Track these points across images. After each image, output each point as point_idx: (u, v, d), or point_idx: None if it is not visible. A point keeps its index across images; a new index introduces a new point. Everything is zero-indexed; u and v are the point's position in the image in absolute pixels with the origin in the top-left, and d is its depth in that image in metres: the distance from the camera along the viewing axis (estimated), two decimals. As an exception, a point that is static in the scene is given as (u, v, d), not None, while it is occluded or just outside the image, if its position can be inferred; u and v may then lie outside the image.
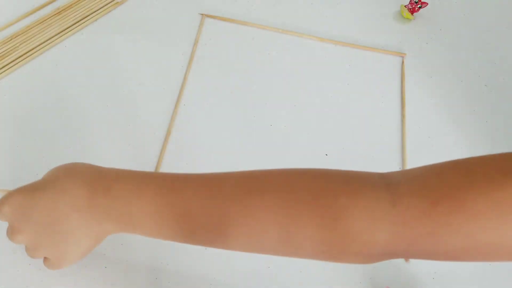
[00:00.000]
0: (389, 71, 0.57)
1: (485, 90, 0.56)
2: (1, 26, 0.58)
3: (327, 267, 0.43)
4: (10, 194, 0.36)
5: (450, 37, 0.61)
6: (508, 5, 0.65)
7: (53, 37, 0.57)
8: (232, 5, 0.62)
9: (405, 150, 0.51)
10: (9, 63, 0.54)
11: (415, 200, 0.28)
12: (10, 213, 0.35)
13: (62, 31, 0.58)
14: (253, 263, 0.43)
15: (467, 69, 0.58)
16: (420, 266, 0.43)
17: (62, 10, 0.60)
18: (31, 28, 0.58)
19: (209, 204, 0.33)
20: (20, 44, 0.56)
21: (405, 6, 0.62)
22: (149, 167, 0.48)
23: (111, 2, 0.61)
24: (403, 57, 0.59)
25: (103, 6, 0.60)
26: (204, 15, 0.60)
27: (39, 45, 0.56)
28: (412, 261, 0.44)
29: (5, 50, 0.55)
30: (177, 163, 0.49)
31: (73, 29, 0.58)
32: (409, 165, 0.50)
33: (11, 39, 0.56)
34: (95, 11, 0.60)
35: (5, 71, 0.54)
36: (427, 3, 0.61)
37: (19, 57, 0.55)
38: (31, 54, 0.55)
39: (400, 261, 0.44)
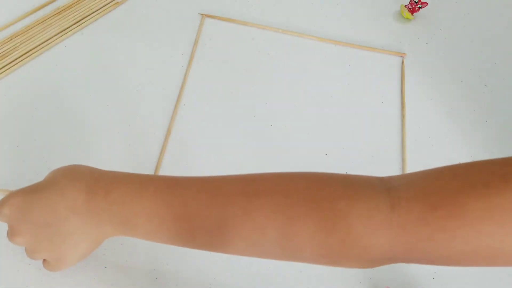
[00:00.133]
0: (389, 71, 0.57)
1: (485, 90, 0.56)
2: (1, 26, 0.58)
3: (327, 267, 0.43)
4: (10, 196, 0.36)
5: (450, 37, 0.61)
6: (508, 5, 0.65)
7: (53, 37, 0.57)
8: (232, 5, 0.62)
9: (405, 150, 0.51)
10: (9, 63, 0.54)
11: (414, 205, 0.28)
12: (9, 214, 0.35)
13: (62, 31, 0.58)
14: (253, 263, 0.43)
15: (467, 69, 0.58)
16: (420, 266, 0.43)
17: (62, 10, 0.60)
18: (31, 28, 0.58)
19: (208, 207, 0.32)
20: (20, 44, 0.56)
21: (405, 6, 0.62)
22: (149, 167, 0.48)
23: (111, 2, 0.61)
24: (403, 57, 0.59)
25: (103, 6, 0.60)
26: (204, 15, 0.60)
27: (39, 45, 0.56)
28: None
29: (5, 50, 0.55)
30: (177, 163, 0.49)
31: (73, 29, 0.58)
32: (409, 165, 0.50)
33: (11, 39, 0.56)
34: (95, 11, 0.60)
35: (5, 71, 0.54)
36: (427, 3, 0.61)
37: (19, 57, 0.55)
38: (31, 54, 0.55)
39: (400, 261, 0.44)
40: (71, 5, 0.60)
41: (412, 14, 0.61)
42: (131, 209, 0.34)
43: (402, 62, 0.58)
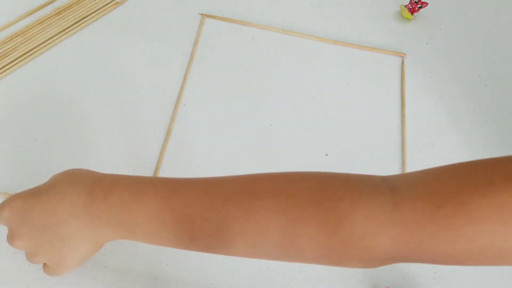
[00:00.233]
0: (389, 71, 0.57)
1: (485, 90, 0.56)
2: (1, 26, 0.58)
3: (326, 268, 0.43)
4: (10, 199, 0.36)
5: (450, 37, 0.61)
6: (508, 5, 0.65)
7: (53, 37, 0.57)
8: (232, 5, 0.62)
9: (405, 150, 0.51)
10: (9, 63, 0.54)
11: (417, 204, 0.28)
12: (9, 217, 0.35)
13: (62, 31, 0.58)
14: (253, 263, 0.43)
15: (467, 69, 0.58)
16: (420, 266, 0.43)
17: (62, 10, 0.60)
18: (31, 28, 0.58)
19: (209, 209, 0.32)
20: (20, 44, 0.56)
21: (405, 6, 0.62)
22: (149, 167, 0.48)
23: (111, 2, 0.61)
24: (403, 57, 0.59)
25: (103, 6, 0.60)
26: (204, 15, 0.60)
27: (39, 45, 0.56)
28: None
29: (5, 50, 0.55)
30: (177, 163, 0.49)
31: (73, 29, 0.58)
32: (409, 165, 0.50)
33: (11, 39, 0.56)
34: (95, 11, 0.60)
35: (5, 71, 0.54)
36: (427, 3, 0.61)
37: (19, 57, 0.55)
38: (31, 54, 0.55)
39: (400, 261, 0.44)
40: (71, 5, 0.60)
41: (412, 14, 0.61)
42: (131, 211, 0.34)
43: (402, 62, 0.58)
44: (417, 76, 0.57)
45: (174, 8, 0.61)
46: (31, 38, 0.57)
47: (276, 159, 0.50)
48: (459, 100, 0.55)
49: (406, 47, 0.60)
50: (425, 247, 0.28)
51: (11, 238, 0.36)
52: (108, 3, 0.61)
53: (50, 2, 0.61)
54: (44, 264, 0.38)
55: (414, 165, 0.50)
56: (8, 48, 0.56)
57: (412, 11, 0.61)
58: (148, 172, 0.48)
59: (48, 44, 0.56)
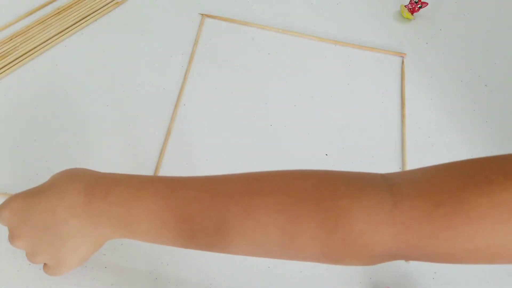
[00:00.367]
0: (389, 71, 0.57)
1: (485, 90, 0.56)
2: (1, 26, 0.58)
3: (327, 267, 0.43)
4: (10, 199, 0.36)
5: (450, 37, 0.61)
6: (508, 5, 0.65)
7: (53, 37, 0.57)
8: (232, 5, 0.62)
9: (405, 150, 0.51)
10: (9, 63, 0.54)
11: (417, 202, 0.28)
12: (9, 218, 0.35)
13: (62, 31, 0.58)
14: (253, 263, 0.43)
15: (467, 69, 0.58)
16: (420, 266, 0.43)
17: (62, 10, 0.60)
18: (31, 28, 0.58)
19: (210, 207, 0.32)
20: (20, 44, 0.56)
21: (405, 6, 0.62)
22: (149, 167, 0.48)
23: (111, 2, 0.61)
24: (403, 57, 0.59)
25: (103, 6, 0.60)
26: (204, 15, 0.60)
27: (39, 45, 0.56)
28: (412, 261, 0.44)
29: (5, 50, 0.55)
30: (177, 163, 0.49)
31: (73, 29, 0.58)
32: (409, 165, 0.50)
33: (11, 39, 0.56)
34: (95, 11, 0.60)
35: (5, 71, 0.54)
36: (427, 3, 0.61)
37: (19, 57, 0.55)
38: (31, 54, 0.55)
39: (400, 261, 0.44)
40: (71, 5, 0.60)
41: (412, 14, 0.61)
42: (131, 210, 0.34)
43: (402, 62, 0.58)
44: (417, 76, 0.57)
45: (174, 8, 0.61)
46: (31, 38, 0.57)
47: (276, 159, 0.50)
48: (459, 100, 0.55)
49: (406, 47, 0.60)
50: (424, 246, 0.28)
51: (12, 238, 0.36)
52: (108, 3, 0.61)
53: (50, 2, 0.61)
54: (45, 264, 0.38)
55: (414, 165, 0.50)
56: (8, 48, 0.56)
57: (412, 11, 0.61)
58: (148, 172, 0.48)
59: (48, 44, 0.56)
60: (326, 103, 0.54)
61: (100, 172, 0.37)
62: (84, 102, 0.53)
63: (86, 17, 0.59)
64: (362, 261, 0.31)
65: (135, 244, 0.43)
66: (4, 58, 0.55)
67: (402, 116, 0.54)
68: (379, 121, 0.53)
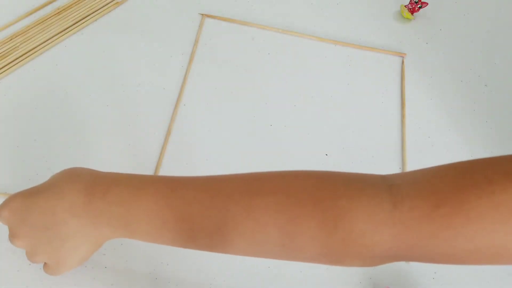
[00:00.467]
0: (389, 71, 0.57)
1: (485, 90, 0.56)
2: (1, 26, 0.58)
3: (327, 267, 0.43)
4: (10, 198, 0.36)
5: (450, 37, 0.61)
6: (508, 5, 0.65)
7: (53, 37, 0.57)
8: (232, 5, 0.62)
9: (405, 150, 0.51)
10: (9, 63, 0.54)
11: (417, 202, 0.28)
12: (9, 217, 0.35)
13: (62, 31, 0.58)
14: (253, 263, 0.43)
15: (467, 69, 0.58)
16: (420, 266, 0.43)
17: (62, 10, 0.60)
18: (31, 28, 0.58)
19: (210, 207, 0.32)
20: (20, 44, 0.56)
21: (405, 6, 0.62)
22: (149, 167, 0.48)
23: (111, 2, 0.61)
24: (403, 57, 0.59)
25: (103, 6, 0.60)
26: (204, 15, 0.60)
27: (39, 45, 0.56)
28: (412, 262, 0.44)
29: (5, 50, 0.55)
30: (177, 163, 0.49)
31: (73, 29, 0.58)
32: (409, 165, 0.50)
33: (11, 39, 0.56)
34: (95, 11, 0.60)
35: (5, 71, 0.54)
36: (427, 3, 0.61)
37: (19, 57, 0.55)
38: (31, 54, 0.55)
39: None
40: (71, 5, 0.60)
41: (412, 14, 0.61)
42: (130, 210, 0.34)
43: (402, 62, 0.58)
44: (417, 76, 0.57)
45: (174, 8, 0.61)
46: (31, 38, 0.57)
47: (276, 159, 0.50)
48: (459, 100, 0.55)
49: (406, 47, 0.60)
50: (424, 246, 0.28)
51: (12, 237, 0.36)
52: (108, 3, 0.61)
53: (50, 2, 0.61)
54: (45, 263, 0.38)
55: (414, 165, 0.50)
56: (8, 48, 0.56)
57: (412, 11, 0.61)
58: (148, 172, 0.48)
59: (48, 44, 0.56)
60: (326, 103, 0.54)
61: (100, 172, 0.37)
62: (84, 102, 0.53)
63: (86, 17, 0.59)
64: (362, 262, 0.31)
65: (135, 244, 0.43)
66: (4, 58, 0.55)
67: (402, 116, 0.54)
68: (379, 121, 0.53)
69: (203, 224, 0.32)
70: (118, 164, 0.48)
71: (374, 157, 0.51)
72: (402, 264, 0.44)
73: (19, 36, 0.57)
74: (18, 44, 0.56)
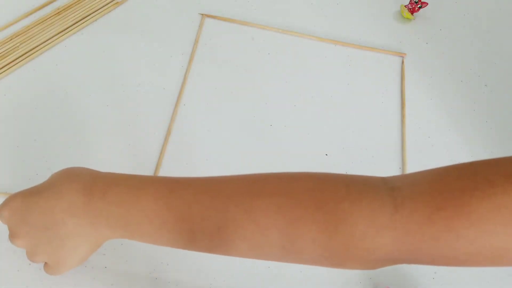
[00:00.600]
0: (389, 71, 0.57)
1: (485, 90, 0.56)
2: (1, 26, 0.58)
3: (326, 268, 0.43)
4: (10, 198, 0.36)
5: (450, 37, 0.61)
6: (508, 5, 0.65)
7: (53, 37, 0.57)
8: (232, 5, 0.62)
9: (405, 150, 0.51)
10: (9, 63, 0.54)
11: (418, 205, 0.28)
12: (9, 217, 0.35)
13: (62, 31, 0.58)
14: (253, 263, 0.43)
15: (467, 69, 0.58)
16: (420, 266, 0.43)
17: (62, 10, 0.60)
18: (31, 28, 0.58)
19: (210, 209, 0.32)
20: (20, 44, 0.56)
21: (405, 6, 0.62)
22: (149, 167, 0.48)
23: (111, 2, 0.61)
24: (403, 57, 0.59)
25: (103, 6, 0.60)
26: (204, 15, 0.60)
27: (39, 45, 0.56)
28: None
29: (5, 50, 0.55)
30: (177, 163, 0.49)
31: (73, 29, 0.58)
32: (409, 165, 0.50)
33: (11, 39, 0.56)
34: (95, 11, 0.60)
35: (5, 71, 0.54)
36: (427, 3, 0.61)
37: (19, 57, 0.55)
38: (31, 54, 0.55)
39: (400, 261, 0.44)
40: (71, 5, 0.60)
41: (412, 14, 0.61)
42: (130, 210, 0.33)
43: (402, 62, 0.58)
44: (417, 76, 0.57)
45: (174, 8, 0.61)
46: (31, 38, 0.57)
47: (276, 159, 0.50)
48: (459, 100, 0.55)
49: (406, 47, 0.60)
50: (425, 249, 0.28)
51: (12, 237, 0.36)
52: (108, 3, 0.61)
53: (50, 2, 0.61)
54: (45, 263, 0.38)
55: (414, 165, 0.50)
56: (8, 48, 0.56)
57: (412, 11, 0.61)
58: (148, 172, 0.48)
59: (48, 44, 0.56)
60: (326, 103, 0.54)
61: (99, 172, 0.37)
62: (84, 102, 0.53)
63: (86, 17, 0.59)
64: (364, 265, 0.31)
65: (135, 244, 0.43)
66: (4, 58, 0.55)
67: (402, 116, 0.54)
68: (379, 121, 0.53)
69: (203, 225, 0.32)
70: (118, 164, 0.48)
71: (374, 157, 0.51)
72: (402, 265, 0.43)
73: (19, 36, 0.57)
74: (18, 44, 0.56)
